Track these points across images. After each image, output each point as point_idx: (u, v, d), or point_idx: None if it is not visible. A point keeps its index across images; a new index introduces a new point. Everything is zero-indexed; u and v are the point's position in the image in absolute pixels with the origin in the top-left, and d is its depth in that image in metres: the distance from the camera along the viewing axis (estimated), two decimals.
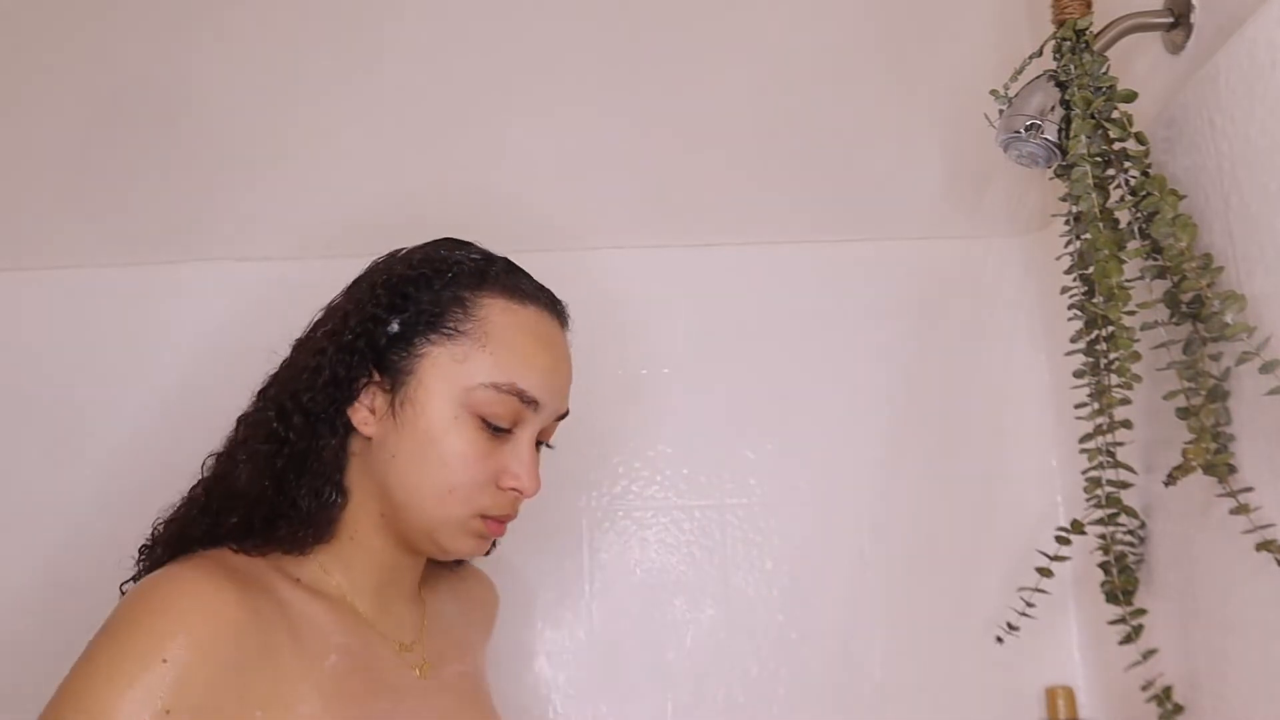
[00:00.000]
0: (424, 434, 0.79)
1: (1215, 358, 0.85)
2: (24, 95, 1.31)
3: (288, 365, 0.87)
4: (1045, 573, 1.02)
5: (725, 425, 1.27)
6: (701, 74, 1.33)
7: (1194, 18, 0.89)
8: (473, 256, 0.86)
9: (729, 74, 1.33)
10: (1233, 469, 0.83)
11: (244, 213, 1.31)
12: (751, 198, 1.32)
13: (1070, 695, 1.19)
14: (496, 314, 0.82)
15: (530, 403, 0.81)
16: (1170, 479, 0.89)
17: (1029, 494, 1.25)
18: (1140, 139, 0.91)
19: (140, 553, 0.85)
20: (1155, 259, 0.88)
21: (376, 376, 0.81)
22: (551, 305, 0.87)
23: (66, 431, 1.25)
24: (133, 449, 1.25)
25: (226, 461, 0.86)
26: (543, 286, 0.88)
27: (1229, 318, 0.81)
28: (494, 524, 0.83)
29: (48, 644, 1.20)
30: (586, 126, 1.32)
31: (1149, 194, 0.87)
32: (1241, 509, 0.81)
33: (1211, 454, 0.83)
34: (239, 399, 1.25)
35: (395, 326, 0.81)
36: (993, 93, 0.99)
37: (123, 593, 0.80)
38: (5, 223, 1.30)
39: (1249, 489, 0.82)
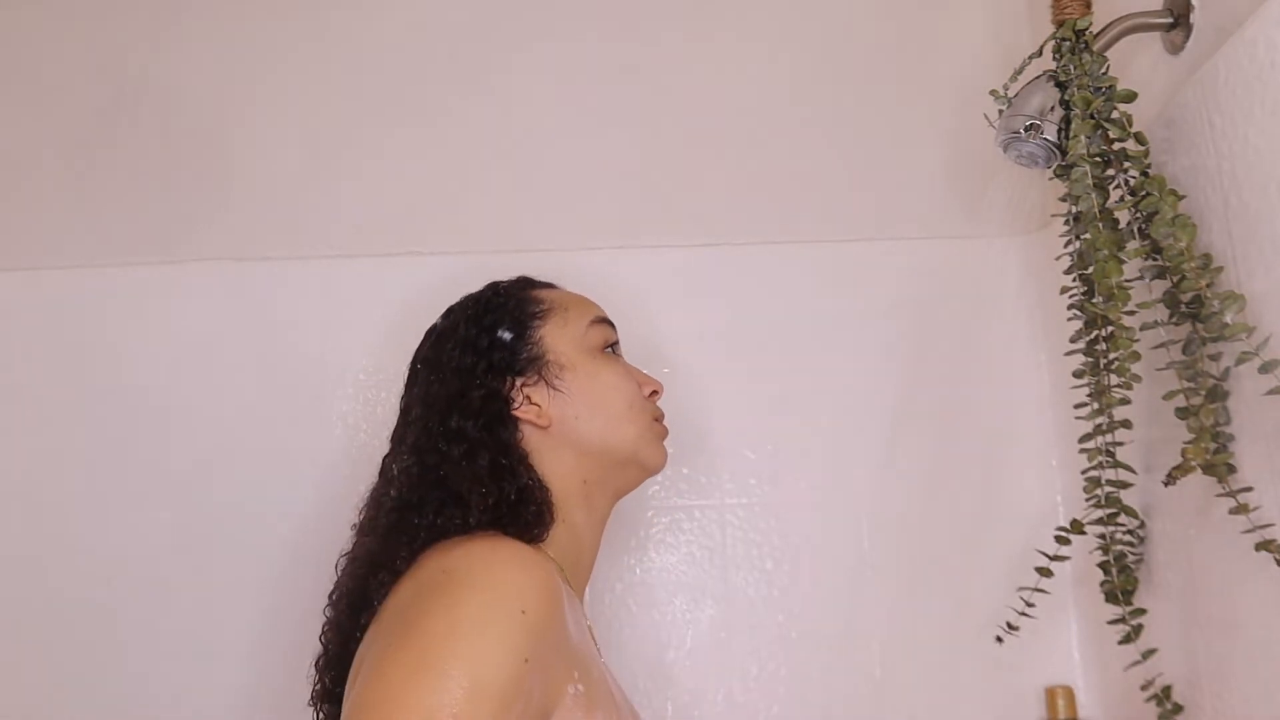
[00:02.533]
0: (586, 383, 0.93)
1: (1215, 358, 0.85)
2: (24, 96, 1.32)
3: (422, 419, 0.93)
4: (1045, 572, 1.02)
5: (725, 425, 1.27)
6: (702, 75, 1.33)
7: (1193, 18, 0.89)
8: (500, 284, 1.02)
9: (729, 75, 1.33)
10: (1232, 469, 0.83)
11: (244, 213, 1.31)
12: (751, 198, 1.32)
13: (1070, 695, 1.19)
14: (548, 293, 1.00)
15: (610, 323, 1.00)
16: (1170, 479, 0.89)
17: (1029, 494, 1.25)
18: (1140, 139, 0.91)
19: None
20: (1155, 259, 0.88)
21: (520, 379, 0.92)
22: (552, 283, 1.05)
23: (66, 431, 1.25)
24: (133, 449, 1.25)
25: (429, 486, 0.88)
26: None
27: (1228, 318, 0.81)
28: (661, 426, 1.00)
29: (48, 644, 1.21)
30: (587, 127, 1.33)
31: (1148, 194, 0.87)
32: (1241, 509, 0.81)
33: (1211, 454, 0.83)
34: (238, 399, 1.26)
35: (507, 335, 0.94)
36: (993, 93, 0.99)
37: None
38: (5, 223, 1.30)
39: (1248, 489, 0.82)
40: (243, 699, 1.19)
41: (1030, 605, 1.03)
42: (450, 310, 1.00)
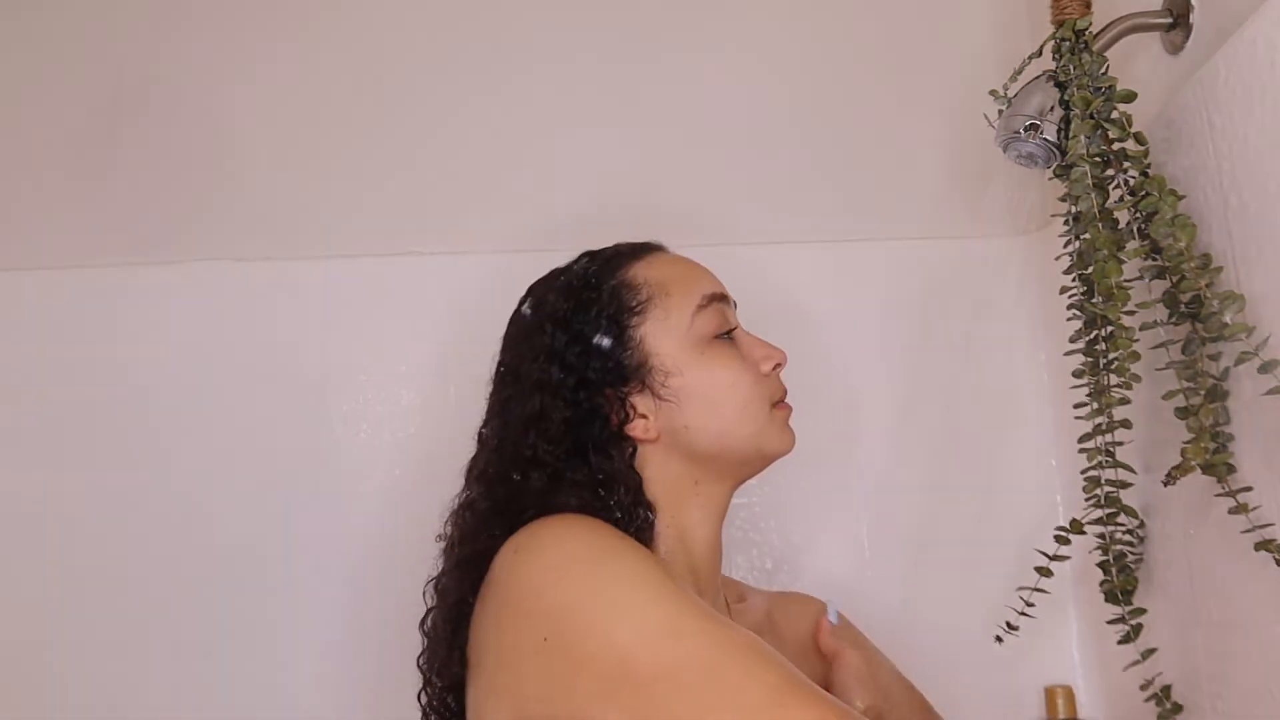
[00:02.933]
0: (696, 386, 0.84)
1: (1214, 357, 0.85)
2: (24, 95, 1.32)
3: (511, 441, 0.85)
4: (1045, 572, 1.02)
5: None
6: (702, 75, 1.33)
7: (1193, 18, 0.89)
8: (594, 257, 0.91)
9: (730, 75, 1.33)
10: (1231, 469, 0.83)
11: (244, 213, 1.31)
12: (751, 198, 1.32)
13: (1070, 694, 1.19)
14: (646, 272, 0.88)
15: (722, 298, 0.90)
16: (1169, 479, 0.89)
17: (1029, 494, 1.25)
18: (1139, 139, 0.91)
19: None
20: (1154, 259, 0.88)
21: (624, 388, 0.84)
22: (653, 245, 0.95)
23: (66, 431, 1.25)
24: (132, 449, 1.25)
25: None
26: (633, 242, 0.95)
27: (1228, 317, 0.81)
28: (783, 406, 0.92)
29: (49, 644, 1.21)
30: (587, 127, 1.33)
31: (1148, 194, 0.87)
32: (1240, 508, 0.81)
33: (1210, 454, 0.83)
34: (238, 399, 1.26)
35: (605, 341, 0.84)
36: (992, 93, 0.99)
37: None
38: (5, 223, 1.30)
39: (1248, 488, 0.82)
40: (242, 699, 1.19)
41: (1030, 605, 1.03)
42: (536, 296, 0.90)
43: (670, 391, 0.84)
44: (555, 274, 0.92)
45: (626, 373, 0.84)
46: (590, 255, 0.92)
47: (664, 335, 0.85)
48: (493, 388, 0.90)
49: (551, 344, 0.85)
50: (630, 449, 0.84)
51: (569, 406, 0.82)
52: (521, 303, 0.93)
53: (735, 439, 0.86)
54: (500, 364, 0.90)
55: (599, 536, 0.73)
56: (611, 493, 0.81)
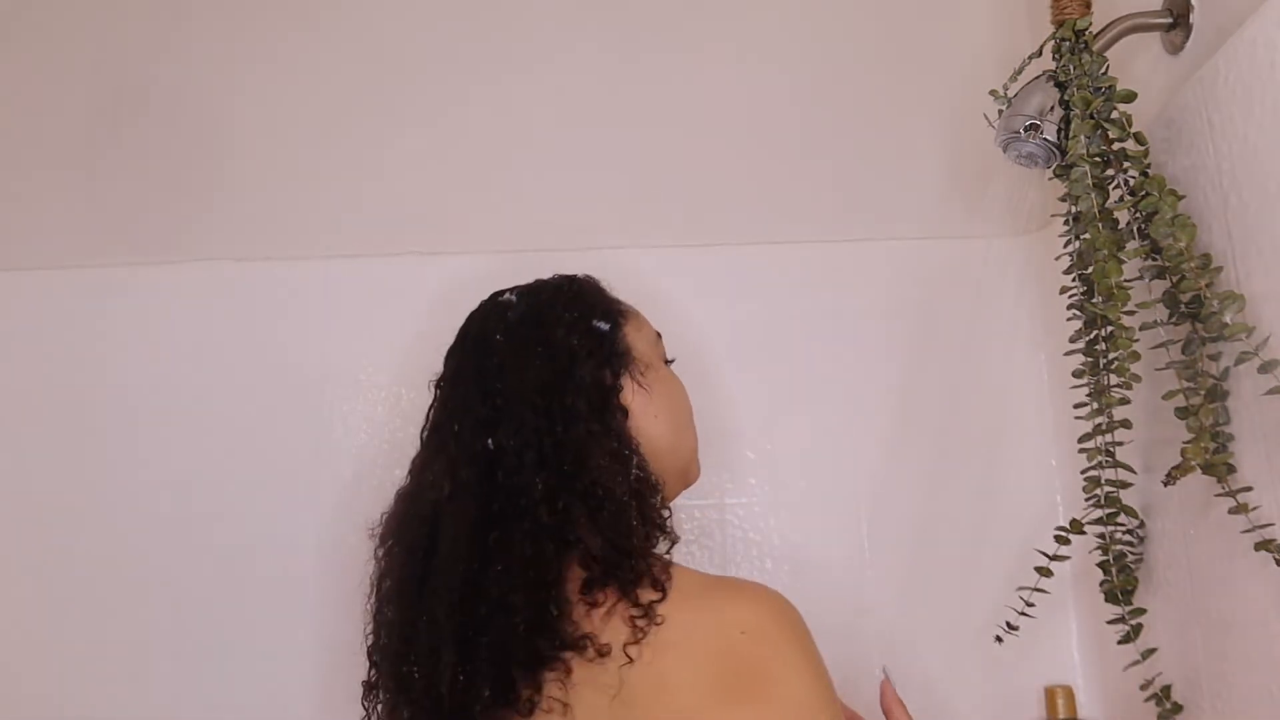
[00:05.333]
0: (661, 387, 0.93)
1: (1214, 357, 0.85)
2: (24, 95, 1.32)
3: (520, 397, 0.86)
4: (1045, 572, 1.02)
5: (725, 425, 1.27)
6: (703, 76, 1.33)
7: (1193, 18, 0.89)
8: (560, 279, 0.98)
9: (730, 75, 1.33)
10: (1231, 468, 0.83)
11: (244, 213, 1.31)
12: (751, 198, 1.32)
13: (1069, 694, 1.19)
14: (611, 294, 0.98)
15: (659, 336, 0.99)
16: (1169, 478, 0.89)
17: (1029, 494, 1.25)
18: (1139, 139, 0.91)
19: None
20: (1154, 259, 0.88)
21: (617, 367, 0.90)
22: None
23: (66, 431, 1.25)
24: (132, 449, 1.25)
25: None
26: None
27: (1228, 317, 0.81)
28: None
29: (49, 645, 1.21)
30: (588, 127, 1.33)
31: (1148, 194, 0.87)
32: (1240, 508, 0.81)
33: (1210, 453, 0.83)
34: (238, 399, 1.26)
35: (604, 325, 0.92)
36: (992, 93, 0.99)
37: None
38: (5, 222, 1.30)
39: (1248, 488, 0.82)
40: (242, 699, 1.19)
41: (1030, 605, 1.03)
42: (531, 294, 0.95)
43: (647, 382, 0.91)
44: (544, 283, 0.97)
45: (617, 355, 0.90)
46: (573, 276, 0.98)
47: (639, 339, 0.94)
48: (475, 368, 0.90)
49: (567, 318, 0.90)
50: (624, 415, 0.88)
51: (587, 373, 0.87)
52: (497, 295, 0.96)
53: (682, 445, 0.93)
54: (494, 336, 0.91)
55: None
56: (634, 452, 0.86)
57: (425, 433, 0.92)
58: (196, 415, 1.26)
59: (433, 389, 0.94)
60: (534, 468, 0.81)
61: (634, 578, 0.77)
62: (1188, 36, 0.90)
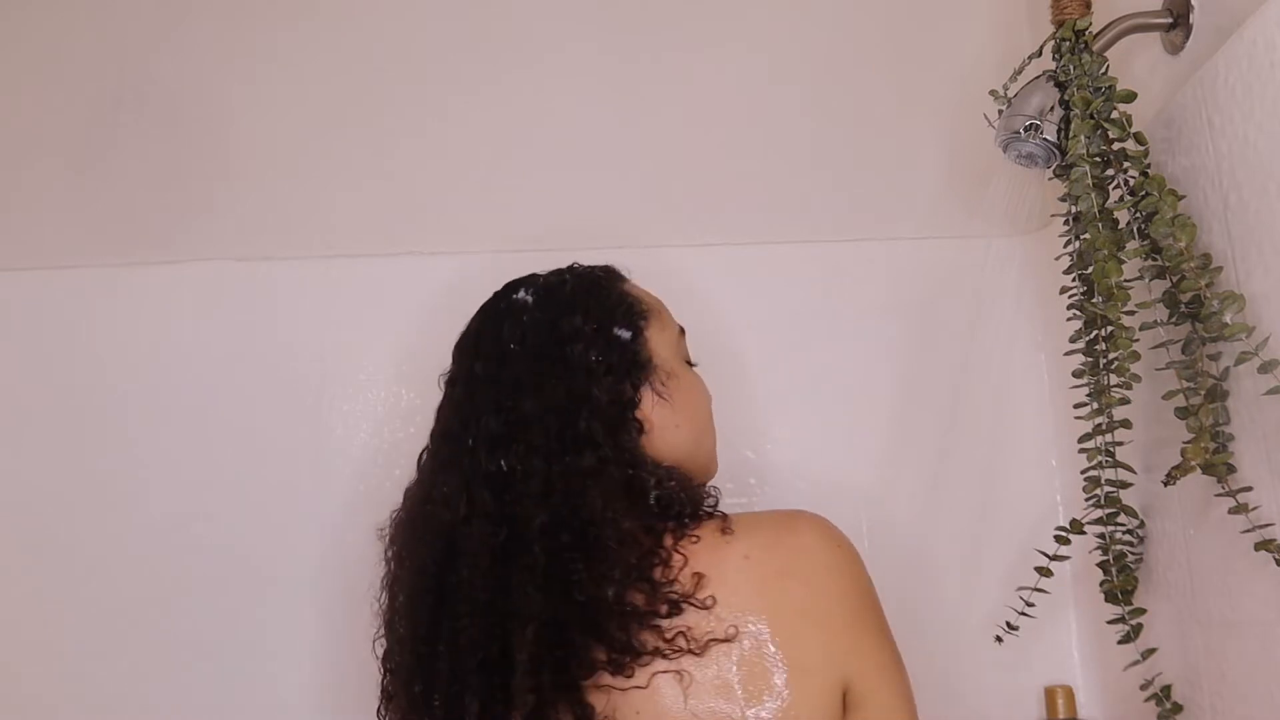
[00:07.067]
0: (685, 394, 0.92)
1: (1214, 357, 0.85)
2: (24, 94, 1.32)
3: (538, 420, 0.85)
4: (1045, 572, 1.02)
5: (725, 425, 1.26)
6: (703, 76, 1.33)
7: (1193, 18, 0.89)
8: (583, 268, 0.96)
9: (730, 75, 1.33)
10: (1231, 468, 0.83)
11: (244, 213, 1.31)
12: (751, 197, 1.32)
13: (1069, 694, 1.19)
14: (636, 290, 0.95)
15: (683, 332, 0.97)
16: (1169, 478, 0.89)
17: (1029, 494, 1.25)
18: (1139, 139, 0.91)
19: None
20: (1154, 259, 0.88)
21: (637, 379, 0.88)
22: (615, 268, 0.99)
23: (66, 431, 1.25)
24: (132, 449, 1.25)
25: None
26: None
27: (1228, 317, 0.81)
28: None
29: (49, 645, 1.21)
30: (587, 127, 1.33)
31: (1148, 194, 0.87)
32: (1240, 508, 0.81)
33: (1210, 453, 0.83)
34: (238, 399, 1.26)
35: (625, 334, 0.89)
36: (992, 93, 0.99)
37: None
38: (4, 223, 1.30)
39: (1248, 488, 0.82)
40: (242, 699, 1.19)
41: (1030, 605, 1.03)
42: (547, 295, 0.91)
43: (668, 391, 0.89)
44: (547, 276, 0.94)
45: (638, 366, 0.88)
46: (575, 267, 0.96)
47: (662, 344, 0.91)
48: (502, 369, 0.87)
49: (584, 329, 0.87)
50: (639, 431, 0.87)
51: (604, 390, 0.85)
52: (512, 291, 0.93)
53: (702, 449, 0.93)
54: (508, 344, 0.88)
55: None
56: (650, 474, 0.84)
57: (435, 433, 0.91)
58: (196, 415, 1.26)
59: (441, 385, 0.92)
60: (538, 498, 0.80)
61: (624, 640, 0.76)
62: (1188, 36, 0.90)
